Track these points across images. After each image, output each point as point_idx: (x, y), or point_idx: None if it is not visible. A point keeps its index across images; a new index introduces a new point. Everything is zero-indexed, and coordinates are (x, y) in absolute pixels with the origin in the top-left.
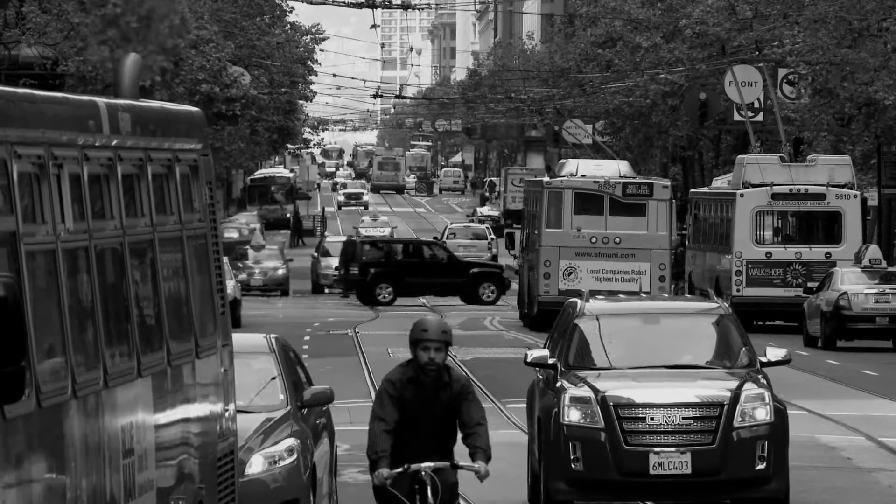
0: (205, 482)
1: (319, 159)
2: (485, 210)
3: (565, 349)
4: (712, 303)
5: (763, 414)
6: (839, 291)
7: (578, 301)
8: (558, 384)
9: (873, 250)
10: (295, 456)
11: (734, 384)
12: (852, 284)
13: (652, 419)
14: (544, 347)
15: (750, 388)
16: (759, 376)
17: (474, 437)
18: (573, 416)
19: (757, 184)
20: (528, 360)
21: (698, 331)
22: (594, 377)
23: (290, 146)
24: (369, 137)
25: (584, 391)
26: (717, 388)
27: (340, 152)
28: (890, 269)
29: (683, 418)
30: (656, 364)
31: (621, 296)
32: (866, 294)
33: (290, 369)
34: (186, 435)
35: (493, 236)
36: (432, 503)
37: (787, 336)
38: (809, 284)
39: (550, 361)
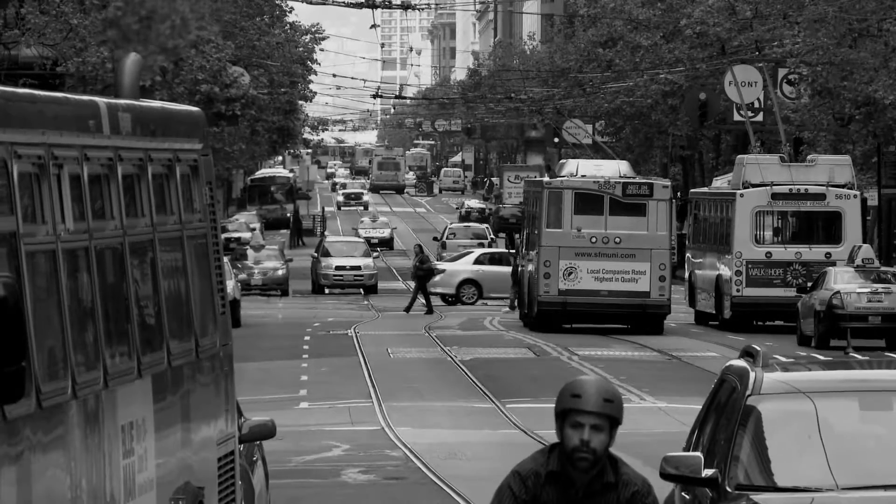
0: (205, 482)
1: (331, 167)
2: (473, 203)
3: (731, 452)
4: None
5: None
6: (832, 291)
7: (749, 368)
8: None
9: (866, 250)
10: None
11: None
12: (845, 284)
13: None
14: (692, 448)
15: None
16: None
17: None
18: None
19: (757, 184)
20: (666, 470)
21: None
22: None
23: (290, 147)
24: (369, 137)
25: None
26: None
27: (352, 151)
28: (882, 268)
29: None
30: (891, 482)
31: (816, 355)
32: (859, 293)
33: None
34: (186, 435)
35: (493, 236)
36: None
37: (783, 336)
38: (804, 284)
39: (707, 474)
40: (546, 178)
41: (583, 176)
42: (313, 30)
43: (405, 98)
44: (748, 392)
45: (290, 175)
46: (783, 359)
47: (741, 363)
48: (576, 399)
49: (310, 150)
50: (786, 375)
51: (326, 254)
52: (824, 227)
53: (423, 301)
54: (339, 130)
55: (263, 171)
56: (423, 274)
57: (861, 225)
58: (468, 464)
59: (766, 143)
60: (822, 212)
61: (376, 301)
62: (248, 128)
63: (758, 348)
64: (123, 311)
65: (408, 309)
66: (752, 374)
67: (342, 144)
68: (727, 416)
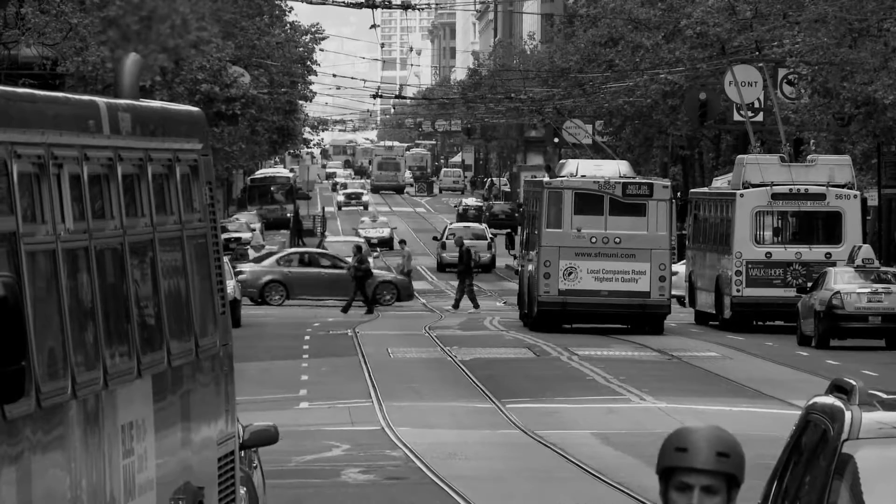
0: (205, 482)
1: (331, 167)
2: (471, 202)
3: None
4: None
5: None
6: (832, 291)
7: (843, 406)
8: None
9: (866, 250)
10: None
11: None
12: (845, 284)
13: None
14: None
15: None
16: None
17: None
18: None
19: (757, 184)
20: None
21: None
22: None
23: (290, 147)
24: (369, 137)
25: None
26: None
27: (353, 151)
28: (883, 268)
29: None
30: None
31: None
32: (859, 293)
33: None
34: (186, 435)
35: (492, 236)
36: None
37: (783, 336)
38: (804, 284)
39: None
40: (546, 178)
41: (583, 176)
42: (313, 30)
43: (405, 98)
44: (844, 436)
45: (290, 175)
46: (884, 395)
47: (831, 400)
48: (681, 454)
49: (310, 151)
50: (891, 415)
51: None
52: (824, 228)
53: (363, 301)
54: (340, 130)
55: (263, 171)
56: (361, 275)
57: (861, 225)
58: (468, 464)
59: (766, 143)
60: (822, 212)
61: None
62: (248, 128)
63: (853, 382)
64: (123, 311)
65: (346, 309)
66: (847, 415)
67: (372, 145)
68: (816, 466)
